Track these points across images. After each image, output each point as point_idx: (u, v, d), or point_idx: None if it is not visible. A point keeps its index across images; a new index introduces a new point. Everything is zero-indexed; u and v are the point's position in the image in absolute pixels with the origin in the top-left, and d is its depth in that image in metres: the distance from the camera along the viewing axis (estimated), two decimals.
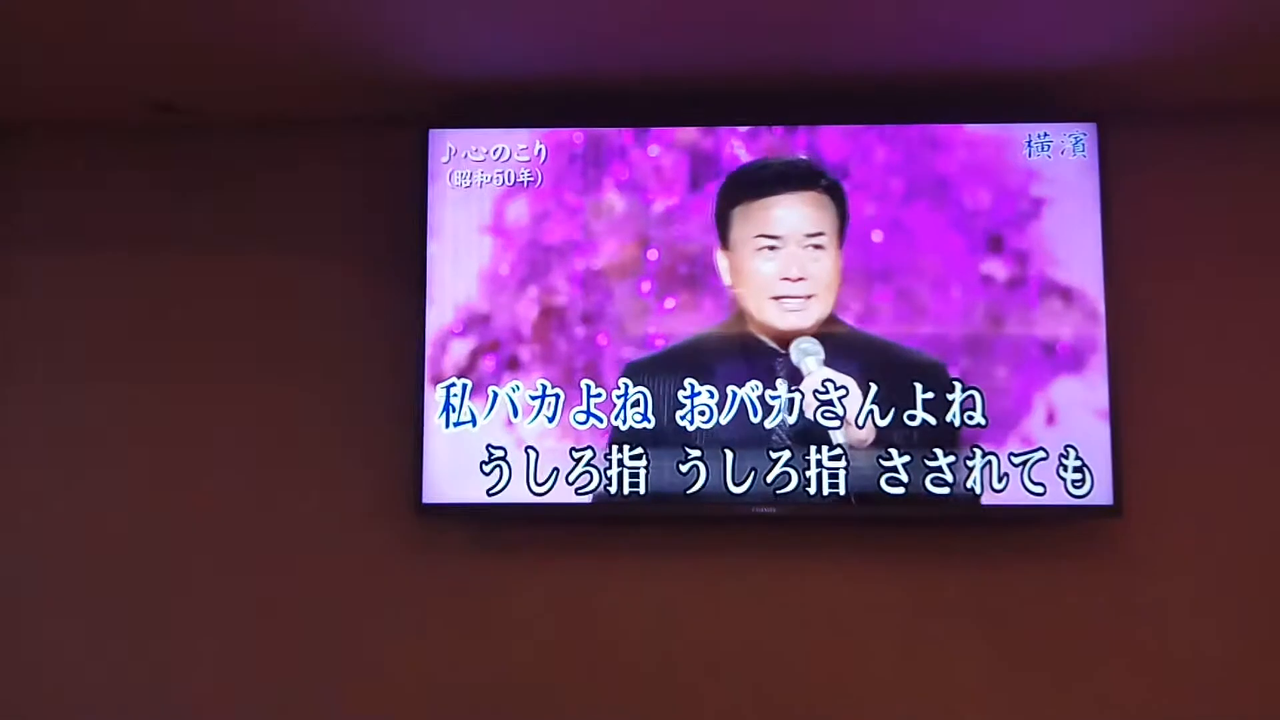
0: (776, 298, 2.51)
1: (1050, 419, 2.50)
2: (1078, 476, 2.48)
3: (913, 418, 2.49)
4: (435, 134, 2.62)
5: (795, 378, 2.51)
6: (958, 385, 2.52)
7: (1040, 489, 2.48)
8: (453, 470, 2.55)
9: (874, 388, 2.49)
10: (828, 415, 2.48)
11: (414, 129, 2.62)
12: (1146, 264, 2.61)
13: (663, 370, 2.53)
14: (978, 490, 2.49)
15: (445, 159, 2.62)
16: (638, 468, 2.53)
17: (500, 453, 2.54)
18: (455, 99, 2.61)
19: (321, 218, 2.75)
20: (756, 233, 2.52)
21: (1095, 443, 2.48)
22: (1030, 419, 2.51)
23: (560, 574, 2.63)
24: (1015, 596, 2.57)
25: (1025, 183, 2.56)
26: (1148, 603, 2.56)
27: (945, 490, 2.50)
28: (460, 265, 2.60)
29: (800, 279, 2.51)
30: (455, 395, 2.57)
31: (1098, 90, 2.55)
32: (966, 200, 2.57)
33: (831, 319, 2.53)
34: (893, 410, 2.50)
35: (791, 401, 2.50)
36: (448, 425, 2.56)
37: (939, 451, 2.50)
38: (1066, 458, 2.49)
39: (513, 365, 2.58)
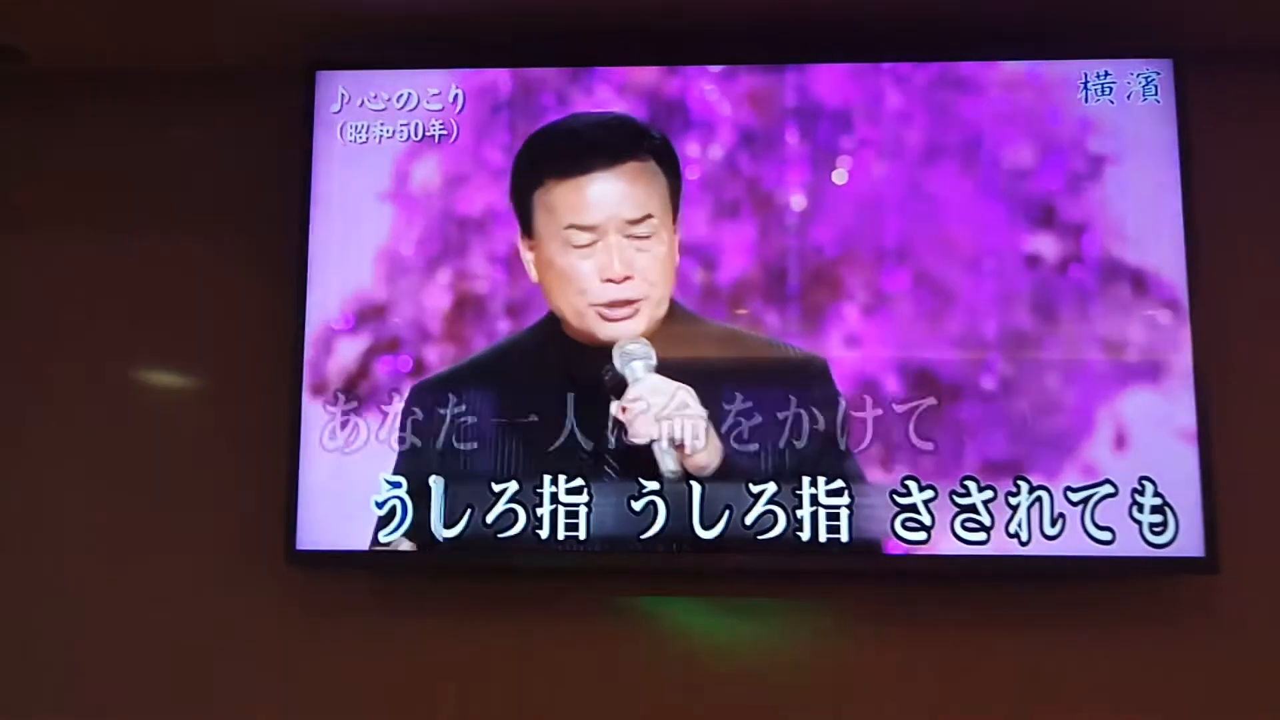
0: (597, 304, 1.95)
1: (1119, 443, 1.93)
2: (1157, 519, 1.90)
3: (796, 435, 1.93)
4: (324, 76, 2.09)
5: (620, 389, 1.94)
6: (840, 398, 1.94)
7: (1108, 535, 1.90)
8: (336, 508, 1.98)
9: (729, 395, 1.94)
10: (652, 437, 1.92)
11: (296, 70, 2.08)
12: (1242, 240, 2.05)
13: (458, 390, 1.98)
14: (1024, 536, 1.90)
15: (336, 108, 2.08)
16: (577, 505, 1.94)
17: (399, 485, 1.97)
18: (349, 32, 2.07)
19: (177, 185, 2.22)
20: (567, 223, 1.96)
21: (1180, 474, 1.90)
22: (1093, 443, 1.93)
23: (478, 641, 2.05)
24: (1074, 674, 1.99)
25: (1081, 135, 2.00)
26: (1250, 685, 1.98)
27: (981, 536, 1.90)
28: (351, 242, 2.05)
29: (626, 278, 1.95)
30: (341, 410, 2.00)
31: (1174, 17, 2.00)
32: (1005, 158, 2.01)
33: (673, 309, 1.98)
34: (757, 425, 1.93)
35: (616, 420, 1.93)
36: (330, 449, 1.99)
37: (972, 486, 1.91)
38: (1142, 494, 1.91)
39: (417, 371, 2.01)
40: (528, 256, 2.00)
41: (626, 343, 1.94)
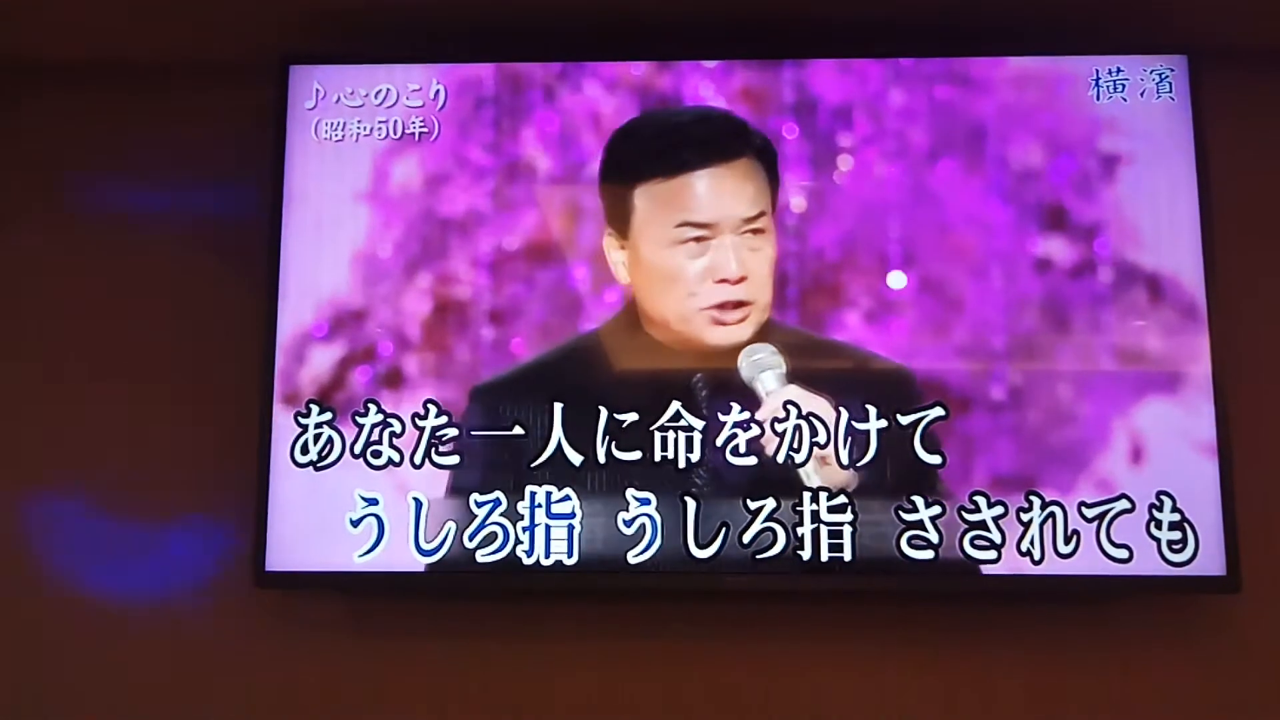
0: (709, 306, 1.85)
1: (1136, 456, 1.83)
2: (1176, 536, 1.80)
3: (884, 449, 1.84)
4: (298, 71, 1.98)
5: (718, 398, 1.84)
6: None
7: (1124, 553, 1.80)
8: (309, 526, 1.86)
9: (843, 411, 1.83)
10: (794, 449, 1.82)
11: (268, 64, 1.98)
12: (1262, 242, 1.97)
13: (526, 392, 1.87)
14: (1036, 554, 1.80)
15: (310, 104, 1.97)
16: (565, 522, 1.83)
17: (375, 502, 1.86)
18: (324, 24, 1.98)
19: (142, 183, 2.11)
20: (679, 220, 1.85)
21: (1199, 489, 1.81)
22: (1108, 456, 1.83)
23: (460, 665, 1.94)
24: (1090, 697, 1.89)
25: (1092, 134, 1.92)
26: (1273, 708, 1.88)
27: (992, 555, 1.80)
28: (327, 244, 1.94)
29: (741, 279, 1.84)
30: (315, 422, 1.89)
31: (1188, 11, 1.93)
32: (1013, 158, 1.92)
33: (768, 323, 1.88)
34: (867, 441, 1.84)
35: (720, 435, 1.83)
36: (303, 464, 1.88)
37: (981, 502, 1.82)
38: (1160, 509, 1.81)
39: (393, 381, 1.90)
40: (617, 256, 1.89)
41: (754, 350, 1.84)
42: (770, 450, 1.82)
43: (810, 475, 1.82)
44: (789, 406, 1.82)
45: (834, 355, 1.87)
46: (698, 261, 1.85)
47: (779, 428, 1.82)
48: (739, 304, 1.85)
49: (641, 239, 1.88)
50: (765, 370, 1.83)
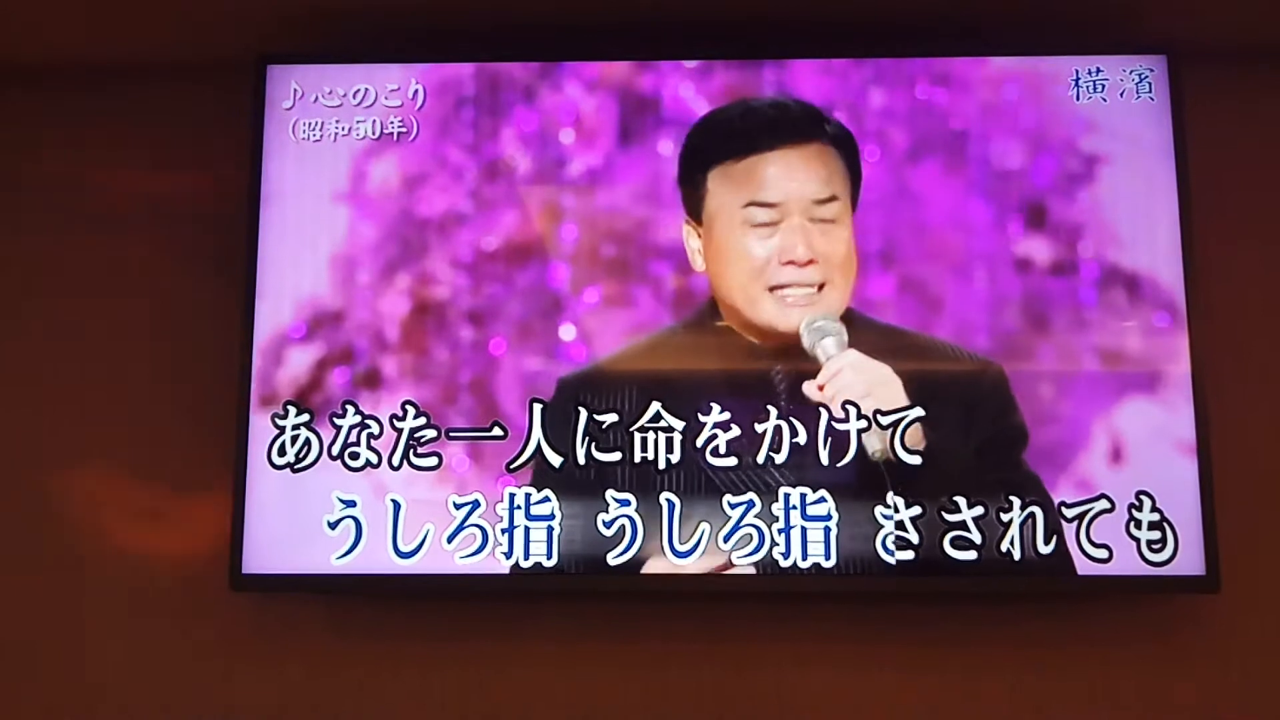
0: (776, 288, 1.84)
1: (1115, 456, 1.83)
2: (1155, 536, 1.80)
3: (964, 445, 1.84)
4: (276, 70, 1.97)
5: (795, 391, 1.83)
6: None
7: (1103, 553, 1.80)
8: (287, 528, 1.85)
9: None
10: (860, 416, 1.80)
11: (245, 64, 1.97)
12: (1242, 242, 1.97)
13: (607, 386, 1.86)
14: (1015, 554, 1.80)
15: (288, 104, 1.96)
16: (545, 524, 1.83)
17: (353, 504, 1.85)
18: (302, 22, 1.97)
19: (118, 184, 2.09)
20: (746, 200, 1.85)
21: (1179, 489, 1.81)
22: (1087, 456, 1.83)
23: (441, 670, 1.93)
24: (1069, 696, 1.89)
25: (1073, 134, 1.91)
26: (1251, 707, 1.88)
27: (971, 555, 1.80)
28: (305, 245, 1.93)
29: (809, 262, 1.83)
30: (292, 424, 1.87)
31: (1168, 11, 1.93)
32: (994, 158, 1.91)
33: (848, 313, 1.87)
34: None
35: (789, 426, 1.81)
36: (280, 465, 1.86)
37: (961, 502, 1.81)
38: (1139, 509, 1.81)
39: (371, 382, 1.89)
40: (694, 245, 1.88)
41: (815, 318, 1.82)
42: (830, 415, 1.80)
43: (870, 437, 1.79)
44: (846, 373, 1.80)
45: (925, 352, 1.85)
46: (767, 243, 1.84)
47: (844, 385, 1.80)
48: (808, 287, 1.84)
49: (715, 222, 1.87)
50: (826, 336, 1.82)
